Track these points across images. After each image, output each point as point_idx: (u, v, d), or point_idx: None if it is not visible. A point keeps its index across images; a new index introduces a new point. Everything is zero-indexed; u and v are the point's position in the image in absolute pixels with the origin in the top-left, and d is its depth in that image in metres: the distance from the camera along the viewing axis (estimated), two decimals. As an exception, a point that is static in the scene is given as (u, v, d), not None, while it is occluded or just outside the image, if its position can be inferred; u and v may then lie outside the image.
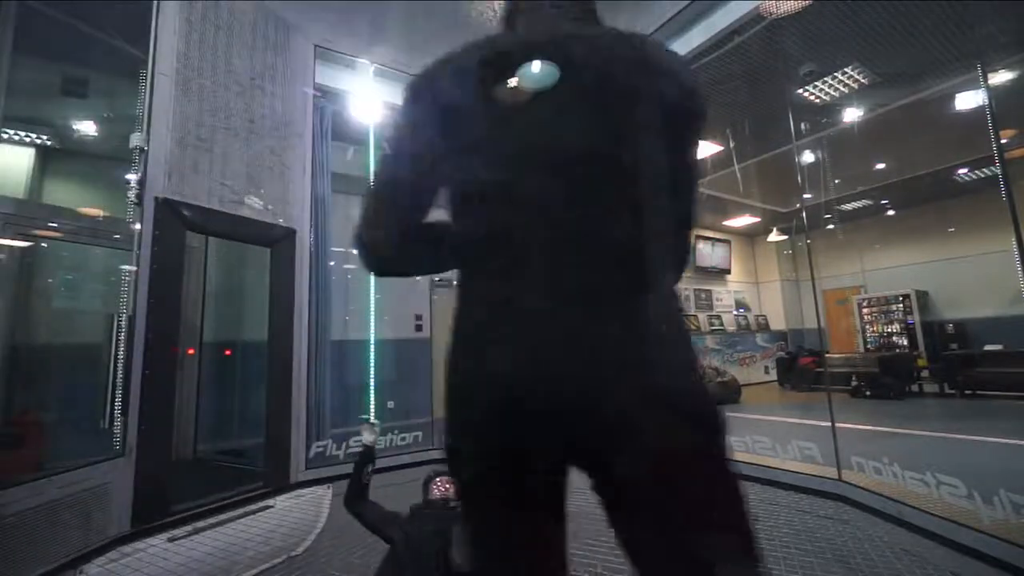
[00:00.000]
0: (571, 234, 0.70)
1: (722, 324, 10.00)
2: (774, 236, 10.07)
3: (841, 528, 2.61)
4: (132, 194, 3.06)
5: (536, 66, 0.74)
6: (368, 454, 2.12)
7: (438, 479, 2.01)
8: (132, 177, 3.06)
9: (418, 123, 0.79)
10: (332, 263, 4.68)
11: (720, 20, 4.01)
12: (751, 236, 11.59)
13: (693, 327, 9.43)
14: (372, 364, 4.89)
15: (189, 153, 3.35)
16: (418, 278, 6.73)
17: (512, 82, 0.74)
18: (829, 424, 3.36)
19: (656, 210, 0.74)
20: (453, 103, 0.76)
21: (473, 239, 0.76)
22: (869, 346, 9.61)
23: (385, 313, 5.62)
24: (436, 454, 4.54)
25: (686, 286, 9.66)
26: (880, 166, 7.30)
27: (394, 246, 0.80)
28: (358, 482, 2.08)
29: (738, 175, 6.46)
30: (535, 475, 0.71)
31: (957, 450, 4.07)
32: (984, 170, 7.02)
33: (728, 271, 10.75)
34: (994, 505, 2.30)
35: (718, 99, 5.04)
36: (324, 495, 3.62)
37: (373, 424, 2.19)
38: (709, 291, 10.16)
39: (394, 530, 1.85)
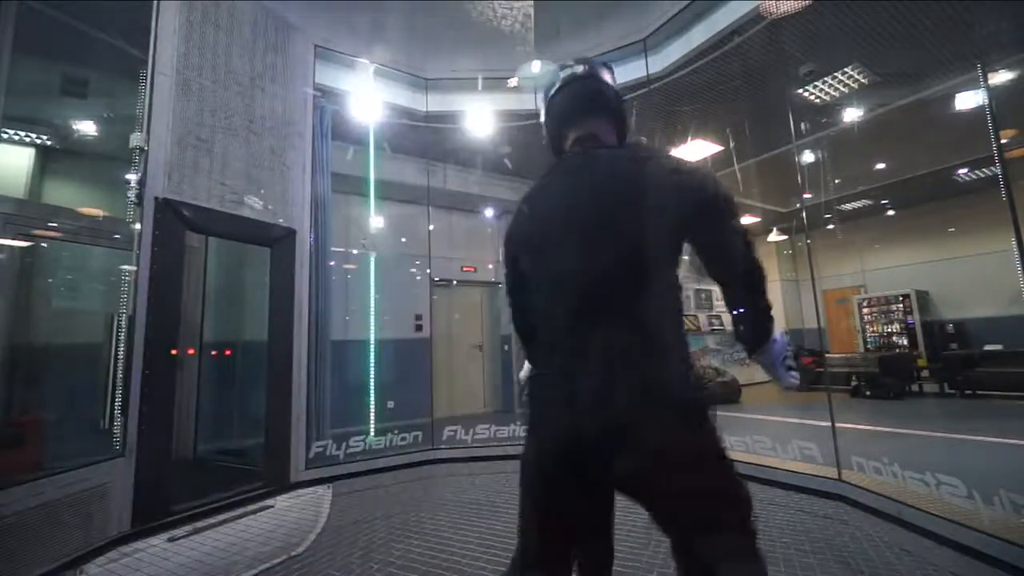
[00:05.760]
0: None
1: (722, 324, 9.99)
2: (774, 236, 10.07)
3: (841, 528, 2.61)
4: (132, 194, 3.06)
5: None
6: None
7: None
8: (132, 177, 3.06)
9: (506, 241, 1.31)
10: (332, 263, 4.67)
11: (720, 20, 4.01)
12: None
13: (692, 327, 9.43)
14: (372, 364, 4.89)
15: (189, 153, 3.35)
16: (418, 277, 6.77)
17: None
18: (829, 424, 3.36)
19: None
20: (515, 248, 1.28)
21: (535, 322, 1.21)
22: (869, 346, 9.61)
23: (385, 313, 5.62)
24: (436, 454, 4.54)
25: (685, 286, 9.64)
26: (880, 166, 7.30)
27: (518, 328, 1.40)
28: None
29: (738, 175, 6.46)
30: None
31: (957, 450, 4.07)
32: (984, 170, 7.01)
33: (728, 271, 10.73)
34: (994, 505, 2.30)
35: (718, 99, 5.04)
36: (324, 495, 3.62)
37: None
38: (709, 291, 10.15)
39: None
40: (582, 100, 1.25)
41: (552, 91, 1.29)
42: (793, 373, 1.10)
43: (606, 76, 1.27)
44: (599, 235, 1.06)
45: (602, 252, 1.05)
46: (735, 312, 1.10)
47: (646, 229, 1.03)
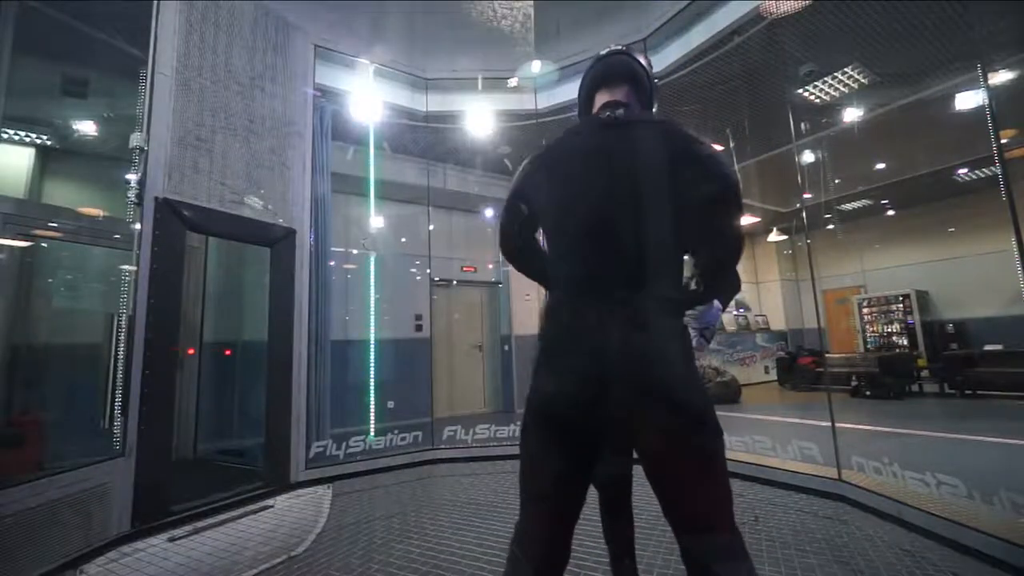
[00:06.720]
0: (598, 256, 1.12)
1: (722, 324, 9.99)
2: (774, 236, 10.08)
3: (841, 528, 2.61)
4: (132, 194, 3.06)
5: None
6: None
7: None
8: (132, 177, 3.06)
9: (518, 191, 1.31)
10: (332, 263, 4.67)
11: (720, 20, 4.01)
12: (751, 236, 11.57)
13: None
14: (372, 364, 4.89)
15: (189, 153, 3.35)
16: (418, 277, 6.76)
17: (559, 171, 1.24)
18: (829, 424, 3.36)
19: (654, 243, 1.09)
20: (535, 186, 1.28)
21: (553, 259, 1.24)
22: (869, 346, 9.61)
23: (385, 313, 5.62)
24: (436, 454, 4.54)
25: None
26: (880, 166, 7.30)
27: (509, 253, 1.40)
28: None
29: (738, 175, 6.49)
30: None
31: (957, 450, 4.07)
32: (984, 170, 7.01)
33: (728, 271, 10.73)
34: (994, 505, 2.30)
35: (718, 99, 5.04)
36: (324, 495, 3.62)
37: None
38: (709, 291, 10.17)
39: None
40: (614, 69, 1.36)
41: (589, 66, 1.41)
42: (706, 343, 1.38)
43: (640, 57, 1.40)
44: (628, 199, 1.11)
45: (631, 213, 1.10)
46: (698, 276, 1.21)
47: (669, 196, 1.10)
